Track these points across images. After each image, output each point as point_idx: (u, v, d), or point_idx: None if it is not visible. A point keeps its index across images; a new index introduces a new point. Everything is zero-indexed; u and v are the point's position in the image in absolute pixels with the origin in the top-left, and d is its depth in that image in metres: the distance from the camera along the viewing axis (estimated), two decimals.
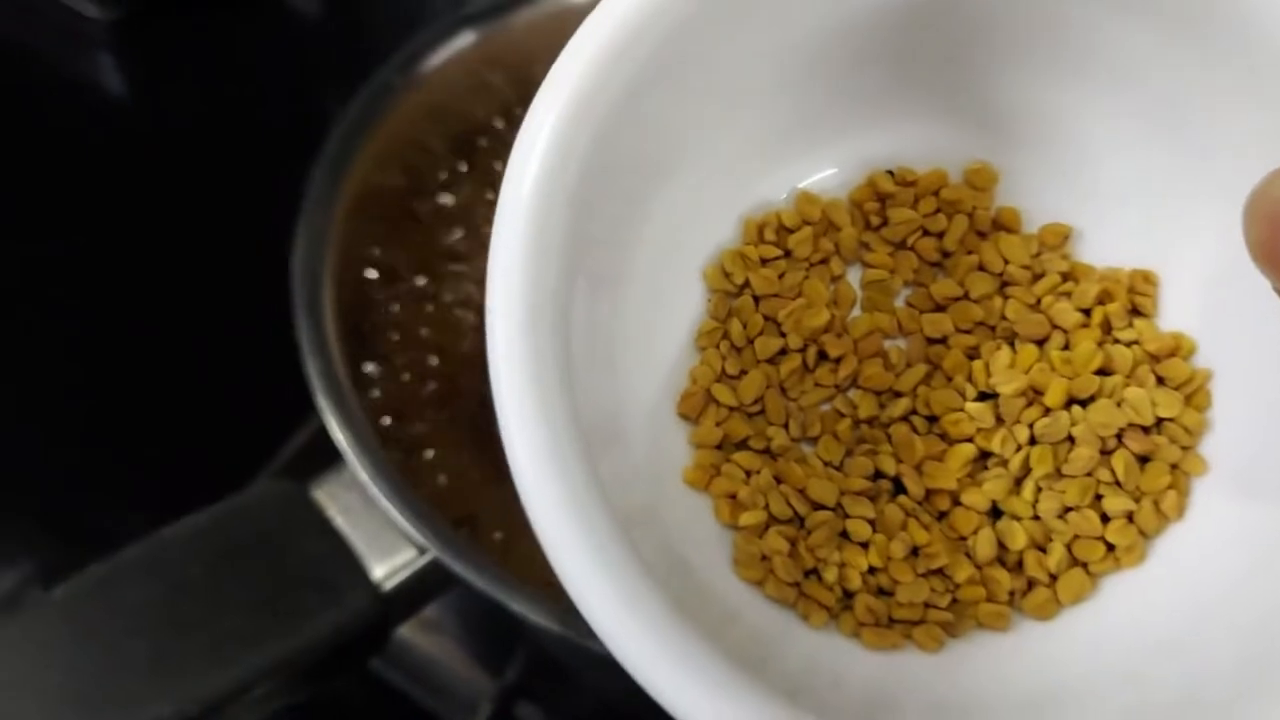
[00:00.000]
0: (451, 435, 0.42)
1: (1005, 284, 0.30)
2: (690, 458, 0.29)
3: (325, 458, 0.45)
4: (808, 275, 0.30)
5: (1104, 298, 0.29)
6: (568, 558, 0.23)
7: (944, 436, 0.28)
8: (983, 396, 0.29)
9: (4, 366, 0.59)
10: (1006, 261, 0.30)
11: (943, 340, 0.29)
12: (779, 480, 0.28)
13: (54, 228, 0.62)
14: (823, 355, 0.29)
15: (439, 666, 0.50)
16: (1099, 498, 0.28)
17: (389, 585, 0.36)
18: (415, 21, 0.72)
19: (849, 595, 0.28)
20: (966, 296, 0.30)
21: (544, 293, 0.25)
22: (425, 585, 0.37)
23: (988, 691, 0.27)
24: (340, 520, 0.36)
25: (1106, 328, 0.29)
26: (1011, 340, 0.29)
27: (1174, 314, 0.30)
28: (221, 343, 0.57)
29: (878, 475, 0.28)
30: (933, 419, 0.28)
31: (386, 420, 0.41)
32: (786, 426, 0.29)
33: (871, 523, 0.28)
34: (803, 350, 0.29)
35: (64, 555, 0.54)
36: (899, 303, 0.30)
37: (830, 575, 0.27)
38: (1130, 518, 0.28)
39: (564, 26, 0.29)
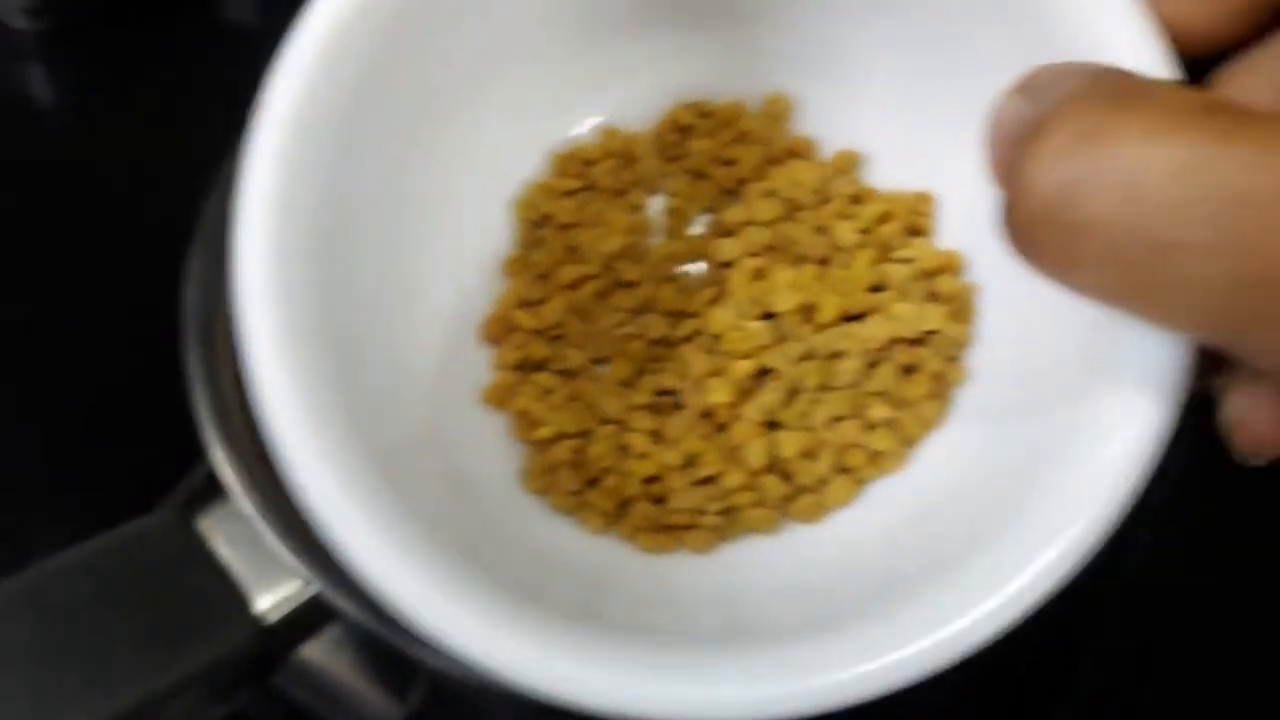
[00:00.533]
0: None
1: (795, 209, 0.31)
2: (491, 380, 0.30)
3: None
4: (609, 205, 0.31)
5: (884, 219, 0.31)
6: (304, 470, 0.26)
7: (728, 354, 0.30)
8: (767, 317, 0.30)
9: None
10: (797, 188, 0.31)
11: (731, 264, 0.31)
12: (573, 399, 0.30)
13: None
14: (620, 283, 0.31)
15: (347, 688, 0.50)
16: (866, 409, 0.30)
17: (273, 617, 0.37)
18: None
19: (627, 504, 0.30)
20: (756, 221, 0.31)
21: (297, 228, 0.27)
22: (312, 617, 0.37)
23: (754, 585, 0.29)
24: (225, 552, 0.37)
25: (885, 248, 0.31)
26: (799, 263, 0.31)
27: (951, 233, 0.31)
28: (131, 365, 0.57)
29: (665, 393, 0.30)
30: (719, 339, 0.30)
31: None
32: (585, 349, 0.30)
33: (654, 435, 0.29)
34: (599, 276, 0.31)
35: None
36: (696, 230, 0.32)
37: (610, 483, 0.29)
38: (892, 425, 0.29)
39: None
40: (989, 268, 0.31)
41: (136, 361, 0.57)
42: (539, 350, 0.31)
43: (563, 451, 0.30)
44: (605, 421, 0.30)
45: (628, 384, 0.30)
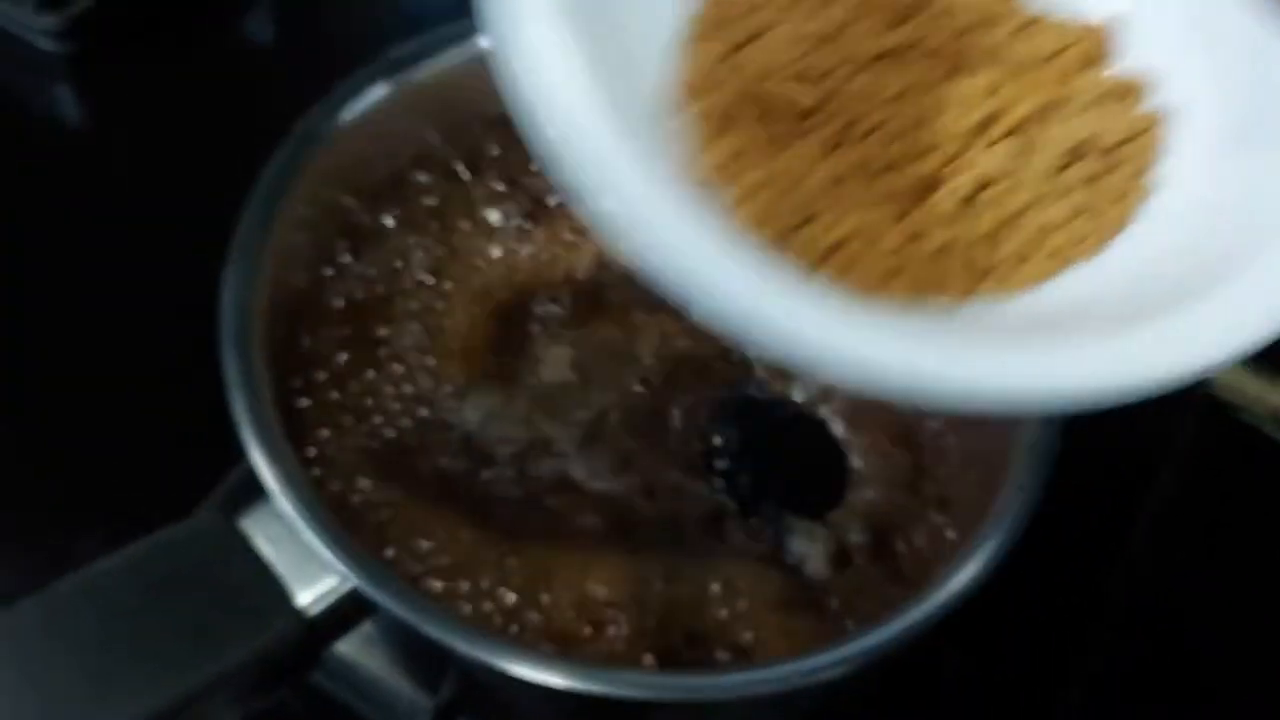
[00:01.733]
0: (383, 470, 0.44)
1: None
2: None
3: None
4: None
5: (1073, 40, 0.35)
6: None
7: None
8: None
9: None
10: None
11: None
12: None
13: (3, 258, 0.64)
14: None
15: (380, 682, 0.52)
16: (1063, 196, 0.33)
17: (313, 611, 0.38)
18: (367, 43, 0.75)
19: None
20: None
21: None
22: (350, 611, 0.39)
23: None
24: (266, 550, 0.39)
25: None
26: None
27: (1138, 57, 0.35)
28: (167, 375, 0.59)
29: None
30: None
31: (312, 451, 0.44)
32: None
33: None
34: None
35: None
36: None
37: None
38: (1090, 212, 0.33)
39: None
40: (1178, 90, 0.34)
41: (172, 368, 0.59)
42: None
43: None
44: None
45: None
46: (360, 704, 0.54)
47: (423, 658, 0.47)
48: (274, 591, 0.38)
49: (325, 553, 0.38)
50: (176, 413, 0.56)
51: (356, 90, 0.46)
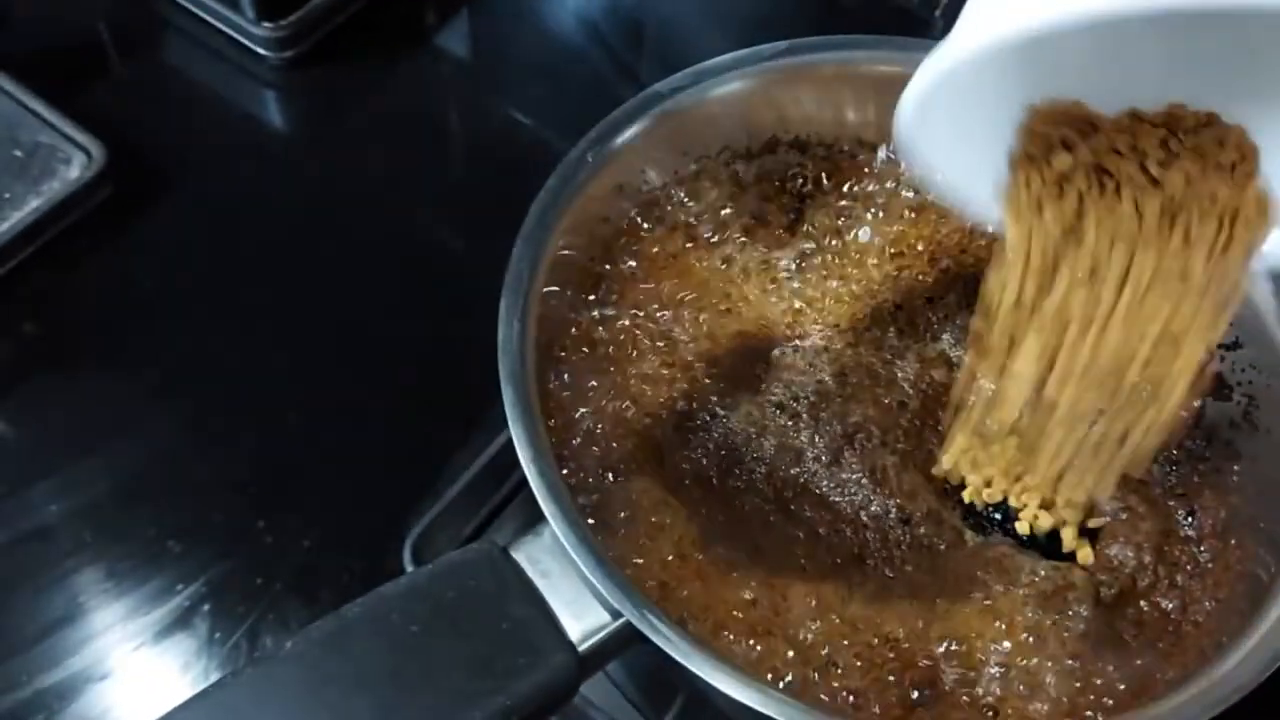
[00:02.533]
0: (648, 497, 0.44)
1: None
2: None
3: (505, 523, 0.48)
4: None
5: None
6: None
7: None
8: None
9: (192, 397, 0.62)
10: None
11: None
12: None
13: (228, 262, 0.66)
14: None
15: (591, 709, 0.52)
16: None
17: (584, 647, 0.38)
18: (551, 53, 0.75)
19: None
20: None
21: None
22: (615, 646, 0.39)
23: None
24: (540, 583, 0.39)
25: None
26: None
27: None
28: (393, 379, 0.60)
29: None
30: None
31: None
32: None
33: None
34: None
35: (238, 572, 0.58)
36: None
37: None
38: None
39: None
40: None
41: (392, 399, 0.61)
42: None
43: None
44: None
45: None
46: None
47: (662, 686, 0.47)
48: (550, 626, 0.38)
49: (602, 589, 0.38)
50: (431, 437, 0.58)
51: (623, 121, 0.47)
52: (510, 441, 0.40)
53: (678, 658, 0.38)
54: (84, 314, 0.64)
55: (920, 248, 0.51)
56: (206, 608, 0.57)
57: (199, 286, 0.65)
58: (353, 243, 0.67)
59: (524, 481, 0.39)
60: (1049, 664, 0.42)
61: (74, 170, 0.65)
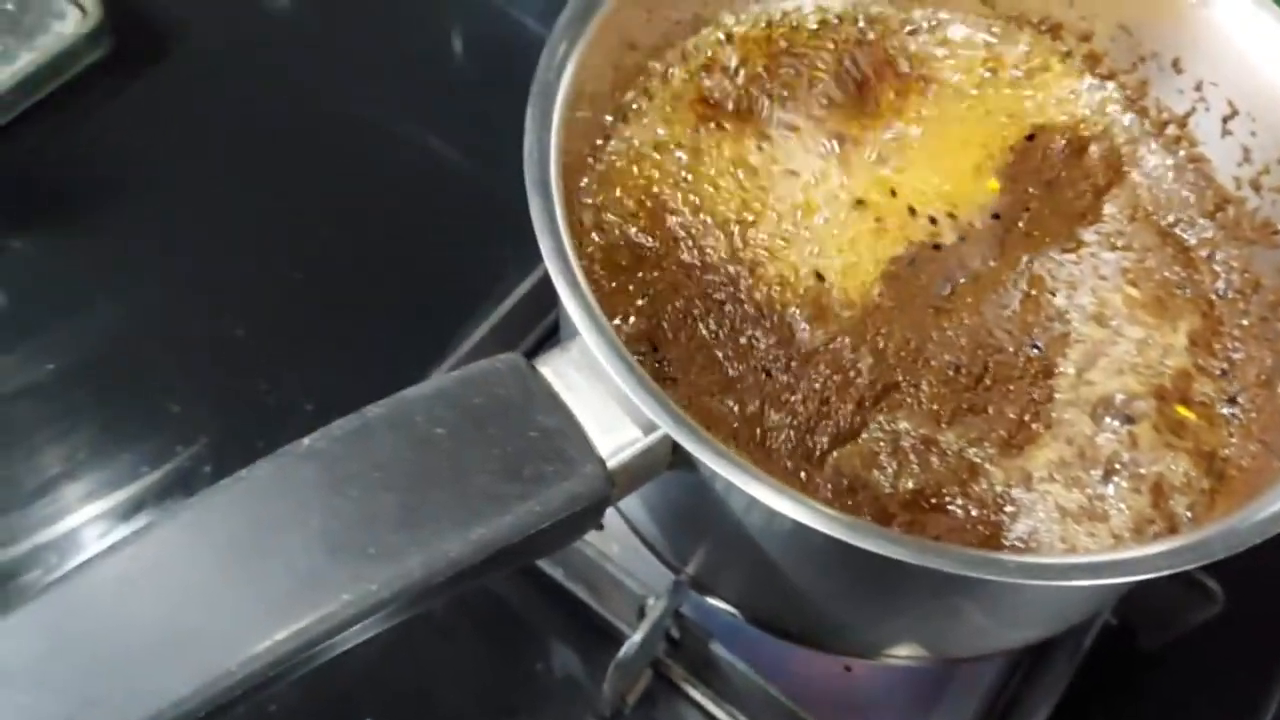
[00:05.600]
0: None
1: None
2: None
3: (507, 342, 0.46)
4: None
5: None
6: None
7: None
8: None
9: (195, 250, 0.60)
10: None
11: None
12: None
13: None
14: None
15: (606, 563, 0.50)
16: None
17: (614, 462, 0.36)
18: None
19: None
20: None
21: None
22: (645, 465, 0.37)
23: None
24: (566, 396, 0.37)
25: None
26: None
27: None
28: (404, 235, 0.58)
29: None
30: None
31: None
32: None
33: None
34: None
35: (238, 432, 0.56)
36: None
37: None
38: None
39: None
40: None
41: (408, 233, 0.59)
42: None
43: None
44: None
45: None
46: (579, 588, 0.53)
47: (685, 534, 0.45)
48: (579, 437, 0.36)
49: (636, 400, 0.36)
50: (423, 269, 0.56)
51: None
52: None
53: (717, 469, 0.35)
54: (80, 174, 0.62)
55: None
56: (207, 469, 0.55)
57: (197, 151, 0.63)
58: (355, 115, 0.65)
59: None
60: None
61: (68, 25, 0.62)
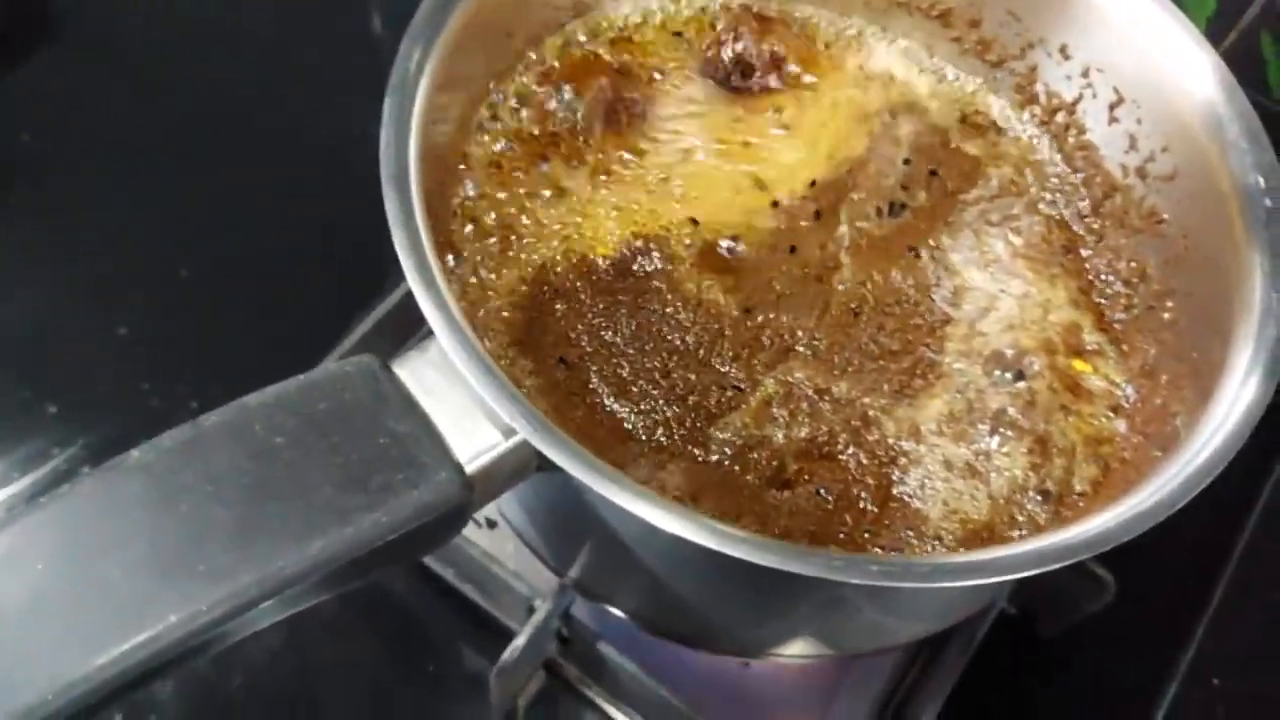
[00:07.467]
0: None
1: None
2: None
3: (396, 338, 0.45)
4: None
5: None
6: None
7: None
8: None
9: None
10: None
11: None
12: None
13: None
14: None
15: (494, 565, 0.49)
16: None
17: (472, 468, 0.35)
18: None
19: None
20: None
21: None
22: (507, 470, 0.36)
23: None
24: (423, 399, 0.35)
25: None
26: None
27: None
28: (294, 228, 0.57)
29: None
30: None
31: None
32: None
33: None
34: None
35: (119, 435, 0.54)
36: None
37: None
38: None
39: None
40: None
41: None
42: None
43: None
44: None
45: None
46: (468, 587, 0.52)
47: (559, 534, 0.44)
48: (433, 442, 0.35)
49: (494, 405, 0.34)
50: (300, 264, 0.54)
51: None
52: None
53: (572, 471, 0.34)
54: None
55: None
56: (85, 471, 0.53)
57: (87, 139, 0.61)
58: (250, 107, 0.63)
59: None
60: None
61: None
